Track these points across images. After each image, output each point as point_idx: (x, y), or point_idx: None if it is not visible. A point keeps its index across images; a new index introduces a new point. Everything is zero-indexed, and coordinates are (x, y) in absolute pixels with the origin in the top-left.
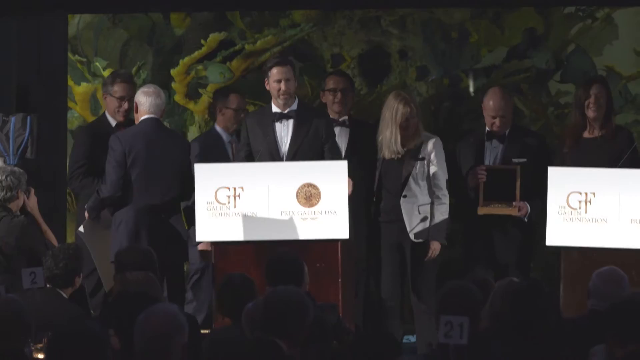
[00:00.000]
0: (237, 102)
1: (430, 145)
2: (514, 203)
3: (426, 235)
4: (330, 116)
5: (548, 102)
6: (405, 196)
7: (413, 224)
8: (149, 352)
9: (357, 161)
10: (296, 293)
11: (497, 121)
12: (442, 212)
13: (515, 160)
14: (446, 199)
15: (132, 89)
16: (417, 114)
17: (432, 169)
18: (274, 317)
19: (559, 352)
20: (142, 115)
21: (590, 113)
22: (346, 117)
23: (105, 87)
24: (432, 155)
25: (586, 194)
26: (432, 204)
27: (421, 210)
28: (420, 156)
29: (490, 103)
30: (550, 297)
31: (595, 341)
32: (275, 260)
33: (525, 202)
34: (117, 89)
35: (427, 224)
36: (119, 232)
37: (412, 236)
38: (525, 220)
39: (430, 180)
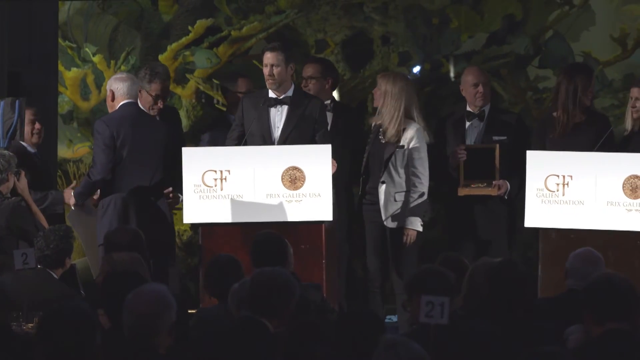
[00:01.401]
0: (246, 85)
1: (410, 133)
2: (493, 182)
3: (402, 222)
4: None
5: (527, 86)
6: (383, 182)
7: (389, 211)
8: (137, 330)
9: (339, 145)
10: (282, 273)
11: (480, 88)
12: (417, 199)
13: (495, 138)
14: (423, 187)
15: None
16: (389, 93)
17: (411, 157)
18: (260, 296)
19: (537, 331)
20: (119, 102)
21: (589, 102)
22: (329, 102)
23: (141, 81)
24: (412, 144)
25: (564, 176)
26: (408, 191)
27: (397, 197)
28: (400, 144)
29: (470, 77)
30: (525, 276)
31: (573, 320)
32: (260, 240)
33: (505, 180)
34: (154, 87)
35: (403, 210)
36: (108, 213)
37: (387, 223)
38: (506, 197)
39: (408, 167)
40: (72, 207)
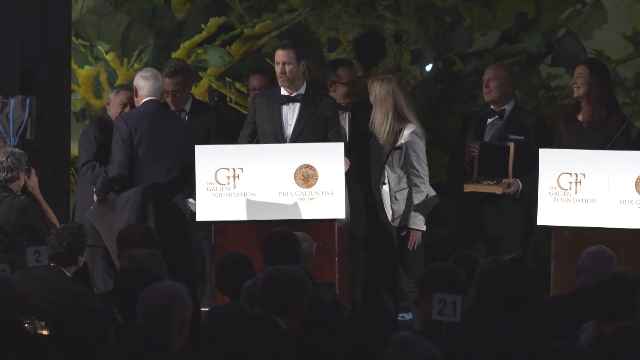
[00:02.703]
0: (258, 82)
1: (406, 134)
2: (503, 180)
3: (406, 222)
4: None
5: (539, 84)
6: (384, 183)
7: (393, 211)
8: (151, 328)
9: (358, 143)
10: (294, 271)
11: (488, 84)
12: (419, 199)
13: (512, 137)
14: (424, 187)
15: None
16: (377, 98)
17: (409, 158)
18: (272, 294)
19: (549, 329)
20: (142, 99)
21: (574, 93)
22: (348, 101)
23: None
24: (408, 144)
25: (576, 174)
26: (409, 190)
27: (398, 196)
28: (397, 145)
29: (485, 72)
30: (535, 273)
31: (586, 318)
32: (272, 238)
33: (517, 180)
34: (164, 81)
35: (406, 210)
36: (126, 209)
37: (393, 223)
38: (518, 196)
39: (408, 167)
40: (95, 203)
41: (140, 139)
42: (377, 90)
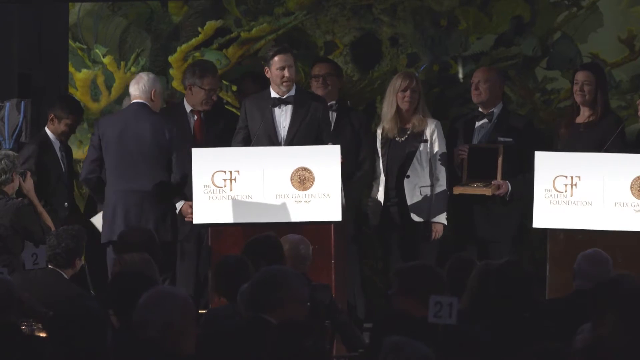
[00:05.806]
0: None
1: (431, 127)
2: (492, 182)
3: (427, 215)
4: None
5: (535, 88)
6: (408, 176)
7: (414, 205)
8: (148, 331)
9: (345, 145)
10: (278, 269)
11: (477, 86)
12: (442, 193)
13: (500, 139)
14: (444, 181)
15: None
16: (419, 91)
17: (434, 151)
18: (255, 292)
19: (545, 332)
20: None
21: (578, 98)
22: (334, 102)
23: (192, 78)
24: (434, 137)
25: (572, 177)
26: (432, 185)
27: (422, 191)
28: (424, 138)
29: (474, 75)
30: (530, 276)
31: (581, 320)
32: (253, 242)
33: (506, 181)
34: (207, 81)
35: (427, 204)
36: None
37: (412, 216)
38: (507, 198)
39: (431, 162)
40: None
41: (107, 144)
42: (417, 83)
